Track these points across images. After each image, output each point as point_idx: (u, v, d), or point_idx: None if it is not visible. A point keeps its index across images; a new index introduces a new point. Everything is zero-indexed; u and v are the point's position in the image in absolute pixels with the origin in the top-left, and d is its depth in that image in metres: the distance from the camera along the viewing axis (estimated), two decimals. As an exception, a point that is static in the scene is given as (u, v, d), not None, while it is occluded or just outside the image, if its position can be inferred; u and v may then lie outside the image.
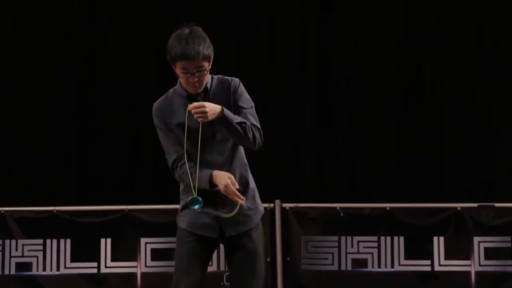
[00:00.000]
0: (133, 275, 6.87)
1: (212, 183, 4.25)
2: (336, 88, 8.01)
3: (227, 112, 4.22)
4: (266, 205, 6.88)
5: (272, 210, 6.92)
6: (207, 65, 4.28)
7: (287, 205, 7.02)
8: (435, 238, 6.90)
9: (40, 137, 7.83)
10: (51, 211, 6.88)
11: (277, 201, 6.98)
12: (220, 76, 4.44)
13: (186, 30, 4.26)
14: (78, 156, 7.94)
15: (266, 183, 7.74)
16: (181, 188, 4.45)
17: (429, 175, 7.92)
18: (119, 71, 7.86)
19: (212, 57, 4.28)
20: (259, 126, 4.36)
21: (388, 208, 6.97)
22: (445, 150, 7.93)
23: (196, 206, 4.23)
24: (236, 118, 4.25)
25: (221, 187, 4.20)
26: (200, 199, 4.22)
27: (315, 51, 8.00)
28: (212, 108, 4.16)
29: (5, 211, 6.85)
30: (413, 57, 7.99)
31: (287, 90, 7.99)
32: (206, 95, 4.35)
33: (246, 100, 4.40)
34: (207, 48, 4.24)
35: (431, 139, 7.92)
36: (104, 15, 8.00)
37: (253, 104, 4.38)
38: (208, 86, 4.37)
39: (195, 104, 4.17)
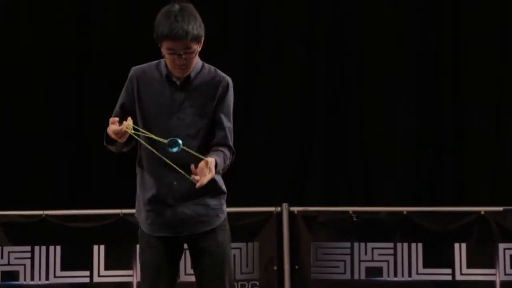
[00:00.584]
0: (129, 284, 6.77)
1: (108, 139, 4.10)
2: (348, 87, 7.94)
3: (219, 164, 4.05)
4: (273, 209, 6.98)
5: (279, 214, 6.88)
6: (196, 47, 4.08)
7: (295, 209, 6.94)
8: (457, 245, 6.83)
9: (30, 135, 7.71)
10: (40, 215, 6.78)
11: (285, 205, 6.90)
12: (213, 68, 4.26)
13: (176, 6, 4.07)
14: (70, 156, 7.83)
15: (273, 185, 7.66)
16: (137, 181, 4.27)
17: (450, 177, 7.81)
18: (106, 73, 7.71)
19: (202, 38, 4.09)
20: (233, 148, 4.25)
21: (405, 212, 6.91)
22: (467, 150, 7.85)
23: (175, 149, 3.95)
24: (223, 163, 4.10)
25: (113, 134, 4.00)
26: (179, 140, 3.94)
27: (323, 52, 7.91)
28: (213, 173, 3.99)
29: None
30: (433, 55, 7.90)
31: (298, 91, 7.94)
32: (187, 83, 4.15)
33: (228, 112, 4.22)
34: (197, 28, 4.04)
35: (453, 138, 7.85)
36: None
37: (231, 117, 4.22)
38: (193, 74, 4.17)
39: (200, 179, 3.95)
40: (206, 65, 4.21)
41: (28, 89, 7.76)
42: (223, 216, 4.28)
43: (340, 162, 7.88)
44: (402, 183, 7.78)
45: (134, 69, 4.23)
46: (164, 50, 4.06)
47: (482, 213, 6.80)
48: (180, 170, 3.98)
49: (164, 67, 4.16)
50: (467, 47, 7.85)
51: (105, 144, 4.15)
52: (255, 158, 7.63)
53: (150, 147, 4.06)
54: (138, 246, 4.31)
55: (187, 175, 3.95)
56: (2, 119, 7.73)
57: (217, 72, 4.22)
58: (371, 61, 7.90)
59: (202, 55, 4.16)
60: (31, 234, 6.73)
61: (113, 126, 3.99)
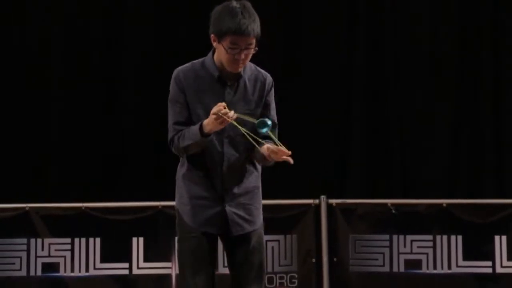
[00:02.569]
0: (167, 276, 6.76)
1: (203, 132, 4.06)
2: (387, 80, 7.90)
3: None
4: (311, 201, 6.98)
5: (318, 207, 6.84)
6: (255, 43, 4.15)
7: (333, 201, 6.91)
8: (497, 238, 6.78)
9: (67, 130, 7.73)
10: (80, 207, 6.77)
11: (323, 197, 6.87)
12: (253, 65, 4.28)
13: (237, 4, 4.13)
14: (109, 149, 7.81)
15: (311, 177, 7.63)
16: (181, 173, 4.29)
17: (490, 169, 7.75)
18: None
19: (260, 35, 4.17)
20: None
21: (444, 205, 6.86)
22: (506, 142, 7.77)
23: (265, 130, 4.05)
24: None
25: (211, 118, 4.00)
26: (269, 121, 4.06)
27: (362, 52, 7.88)
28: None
29: (30, 207, 6.74)
30: (469, 50, 7.85)
31: (337, 82, 7.91)
32: (239, 84, 4.21)
33: (274, 106, 4.35)
34: (258, 25, 4.14)
35: (492, 130, 7.78)
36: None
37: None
38: (243, 74, 4.22)
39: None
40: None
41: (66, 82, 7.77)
42: (261, 220, 4.33)
43: (379, 154, 7.84)
44: (442, 175, 7.73)
45: (178, 72, 4.22)
46: (225, 45, 4.07)
47: (523, 205, 6.76)
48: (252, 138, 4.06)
49: (212, 65, 4.17)
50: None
51: (199, 136, 4.08)
52: (293, 150, 7.58)
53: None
54: (176, 237, 4.30)
55: (282, 146, 4.07)
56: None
57: (258, 69, 4.29)
58: (409, 53, 7.85)
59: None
60: (71, 226, 6.74)
61: (218, 109, 3.96)
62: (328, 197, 6.86)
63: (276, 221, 6.76)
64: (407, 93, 7.86)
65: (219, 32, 4.08)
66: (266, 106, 4.26)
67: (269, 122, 4.06)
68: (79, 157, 7.68)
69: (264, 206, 6.96)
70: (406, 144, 7.84)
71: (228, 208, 4.19)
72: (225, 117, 3.96)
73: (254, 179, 4.27)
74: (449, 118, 7.81)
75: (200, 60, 4.24)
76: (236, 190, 4.19)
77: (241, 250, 4.23)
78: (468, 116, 7.81)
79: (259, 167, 4.31)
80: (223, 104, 4.00)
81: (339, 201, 6.91)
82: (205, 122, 4.04)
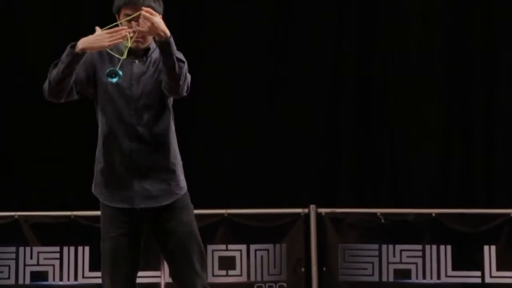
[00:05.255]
0: (156, 285, 6.73)
1: (75, 52, 3.99)
2: (377, 86, 7.87)
3: (173, 42, 4.01)
4: (301, 210, 6.95)
5: (307, 216, 6.83)
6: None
7: (323, 210, 6.89)
8: (486, 247, 6.76)
9: (56, 137, 7.67)
10: (69, 216, 6.76)
11: (312, 206, 6.86)
12: None
13: None
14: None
15: (300, 186, 7.60)
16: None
17: (479, 178, 7.73)
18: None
19: (160, 13, 4.15)
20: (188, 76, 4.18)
21: (433, 214, 6.85)
22: (496, 151, 7.74)
23: (115, 80, 4.03)
24: (178, 53, 4.05)
25: (98, 37, 3.99)
26: (119, 71, 4.01)
27: (355, 50, 7.86)
28: (163, 27, 3.98)
29: (19, 216, 6.74)
30: (460, 54, 7.81)
31: (326, 91, 7.87)
32: (147, 57, 4.21)
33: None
34: (155, 1, 4.17)
35: (481, 138, 7.76)
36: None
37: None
38: (152, 48, 4.23)
39: (150, 10, 4.02)
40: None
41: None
42: (182, 192, 4.27)
43: (368, 164, 7.82)
44: (431, 184, 7.71)
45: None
46: (121, 18, 4.13)
47: (512, 215, 6.72)
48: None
49: (120, 44, 4.13)
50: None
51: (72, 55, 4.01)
52: (282, 159, 7.61)
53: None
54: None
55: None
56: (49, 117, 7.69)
57: None
58: (398, 61, 7.83)
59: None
60: (60, 234, 6.72)
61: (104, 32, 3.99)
62: (318, 206, 6.85)
63: (266, 230, 6.77)
64: (396, 101, 7.82)
65: (116, 9, 4.19)
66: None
67: (120, 72, 4.01)
68: (67, 165, 7.61)
69: (254, 215, 6.96)
70: (395, 153, 7.82)
71: (135, 182, 4.17)
72: (122, 34, 3.97)
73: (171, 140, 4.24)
74: (439, 126, 7.77)
75: None
76: (143, 163, 4.17)
77: (163, 230, 4.21)
78: (458, 125, 7.78)
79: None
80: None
81: (328, 210, 6.89)
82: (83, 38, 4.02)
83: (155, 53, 4.20)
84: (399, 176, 7.80)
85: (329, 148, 7.84)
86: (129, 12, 4.12)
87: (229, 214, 6.70)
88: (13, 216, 6.67)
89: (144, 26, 3.99)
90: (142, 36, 4.13)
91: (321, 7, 7.83)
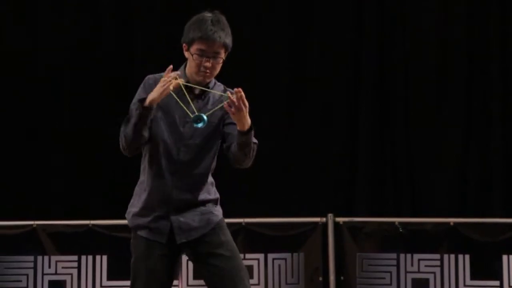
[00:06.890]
0: None
1: (143, 101, 4.02)
2: (395, 94, 7.88)
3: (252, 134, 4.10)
4: (318, 219, 6.88)
5: (325, 225, 6.81)
6: (223, 54, 4.17)
7: (340, 220, 6.87)
8: (505, 257, 6.71)
9: (74, 145, 7.69)
10: (87, 224, 6.76)
11: (330, 215, 6.84)
12: (223, 86, 4.32)
13: (209, 14, 4.17)
14: (116, 164, 7.66)
15: (318, 195, 7.60)
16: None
17: (498, 187, 7.69)
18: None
19: (230, 48, 4.19)
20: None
21: (452, 223, 6.80)
22: None
23: (200, 125, 4.02)
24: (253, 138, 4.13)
25: (157, 88, 4.00)
26: (205, 116, 4.00)
27: (373, 64, 7.85)
28: (248, 117, 4.04)
29: (37, 225, 6.72)
30: (478, 61, 7.81)
31: (343, 98, 7.88)
32: (205, 96, 4.20)
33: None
34: (228, 36, 4.15)
35: (501, 148, 7.71)
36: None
37: None
38: (211, 84, 4.24)
39: (243, 95, 3.98)
40: (218, 82, 4.28)
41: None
42: (219, 217, 4.28)
43: (386, 173, 7.81)
44: (449, 193, 7.69)
45: (149, 77, 4.23)
46: (192, 51, 4.10)
47: (531, 224, 6.73)
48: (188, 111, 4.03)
49: (182, 76, 4.14)
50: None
51: (141, 109, 4.02)
52: (300, 168, 7.59)
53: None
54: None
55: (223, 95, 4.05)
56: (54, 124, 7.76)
57: (226, 89, 4.28)
58: (418, 66, 7.83)
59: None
60: (78, 243, 6.71)
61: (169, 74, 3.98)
62: (335, 215, 6.83)
63: (283, 239, 6.75)
64: (415, 109, 7.82)
65: (188, 40, 4.13)
66: (229, 124, 4.20)
67: (205, 118, 4.00)
68: (86, 174, 7.64)
69: (272, 224, 6.95)
70: (413, 162, 7.80)
71: (174, 217, 4.18)
72: (169, 79, 3.95)
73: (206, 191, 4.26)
74: (457, 136, 7.76)
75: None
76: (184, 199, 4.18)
77: (203, 254, 4.21)
78: (476, 134, 7.76)
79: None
80: (174, 73, 4.02)
81: (346, 219, 6.87)
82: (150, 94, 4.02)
83: (215, 88, 4.21)
84: (417, 185, 7.78)
85: (347, 157, 7.82)
86: (203, 47, 4.08)
87: (247, 223, 6.69)
88: (31, 225, 6.66)
89: (235, 111, 3.96)
90: (211, 68, 4.11)
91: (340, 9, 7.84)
